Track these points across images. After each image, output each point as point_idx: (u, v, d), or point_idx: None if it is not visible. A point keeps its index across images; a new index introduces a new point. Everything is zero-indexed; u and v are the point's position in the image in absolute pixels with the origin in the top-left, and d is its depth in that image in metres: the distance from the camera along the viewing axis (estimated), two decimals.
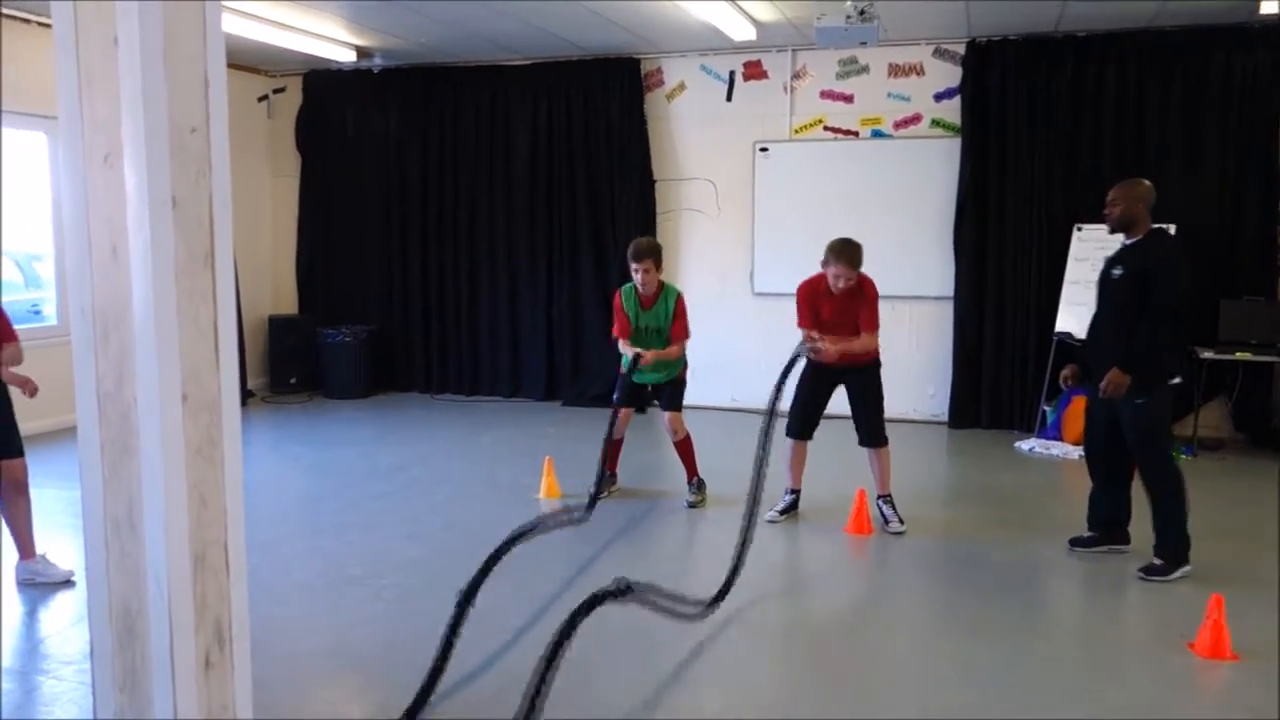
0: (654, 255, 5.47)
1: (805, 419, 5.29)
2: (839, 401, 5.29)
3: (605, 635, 3.77)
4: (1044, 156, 7.49)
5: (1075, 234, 7.33)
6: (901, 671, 3.63)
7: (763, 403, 4.82)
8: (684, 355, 5.65)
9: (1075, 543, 4.85)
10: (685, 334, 5.59)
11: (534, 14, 7.02)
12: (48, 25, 7.07)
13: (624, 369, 5.52)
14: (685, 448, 5.67)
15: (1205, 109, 7.15)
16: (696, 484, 5.69)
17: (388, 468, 6.56)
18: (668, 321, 5.55)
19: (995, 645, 3.79)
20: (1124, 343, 4.35)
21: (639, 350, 5.44)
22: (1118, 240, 4.64)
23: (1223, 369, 7.06)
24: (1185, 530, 4.41)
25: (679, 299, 5.59)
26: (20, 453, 4.34)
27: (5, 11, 6.76)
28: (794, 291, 5.29)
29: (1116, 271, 4.48)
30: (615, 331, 5.65)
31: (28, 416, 4.55)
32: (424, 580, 4.46)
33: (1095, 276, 6.98)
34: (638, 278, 5.47)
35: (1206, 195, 7.13)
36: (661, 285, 5.57)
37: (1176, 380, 4.42)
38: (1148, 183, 4.53)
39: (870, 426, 5.22)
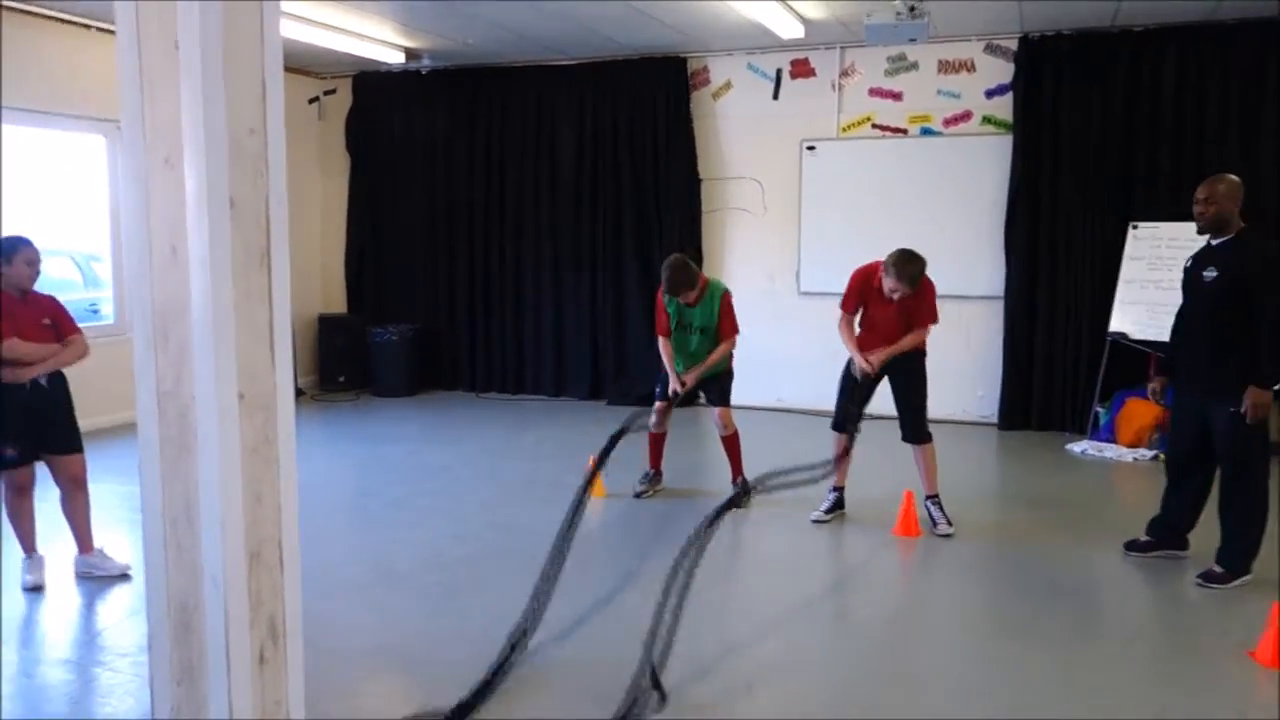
0: (688, 284, 5.38)
1: (850, 414, 5.23)
2: (886, 401, 5.24)
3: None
4: (1098, 154, 7.34)
5: (1130, 232, 7.18)
6: (951, 677, 3.57)
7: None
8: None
9: (1130, 547, 4.74)
10: (734, 330, 5.54)
11: (581, 14, 7.02)
12: (107, 31, 7.25)
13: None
14: (733, 444, 5.64)
15: (1264, 104, 6.96)
16: (741, 484, 5.65)
17: (434, 466, 6.61)
18: (713, 319, 5.51)
19: (1047, 651, 3.73)
20: (1224, 347, 4.18)
21: (680, 381, 5.44)
22: (1178, 238, 4.50)
23: None
24: (1258, 541, 4.29)
25: (725, 295, 5.54)
26: (79, 449, 4.43)
27: (60, 15, 6.91)
28: (839, 291, 5.25)
29: (1209, 273, 4.28)
30: (657, 330, 5.65)
31: (87, 413, 4.64)
32: (470, 579, 4.49)
33: (1151, 276, 6.95)
34: (679, 300, 5.45)
35: (1265, 193, 6.93)
36: (706, 283, 5.54)
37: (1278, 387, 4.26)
38: (1236, 178, 4.32)
39: (913, 421, 5.15)
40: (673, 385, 5.50)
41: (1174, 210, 6.91)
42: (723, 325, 5.51)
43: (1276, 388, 4.22)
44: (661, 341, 5.59)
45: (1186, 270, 4.49)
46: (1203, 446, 4.38)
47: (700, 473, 6.36)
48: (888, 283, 4.93)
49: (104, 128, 7.35)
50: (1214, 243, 4.35)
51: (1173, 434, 4.65)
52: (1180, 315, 4.57)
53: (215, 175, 1.79)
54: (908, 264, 4.88)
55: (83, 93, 7.03)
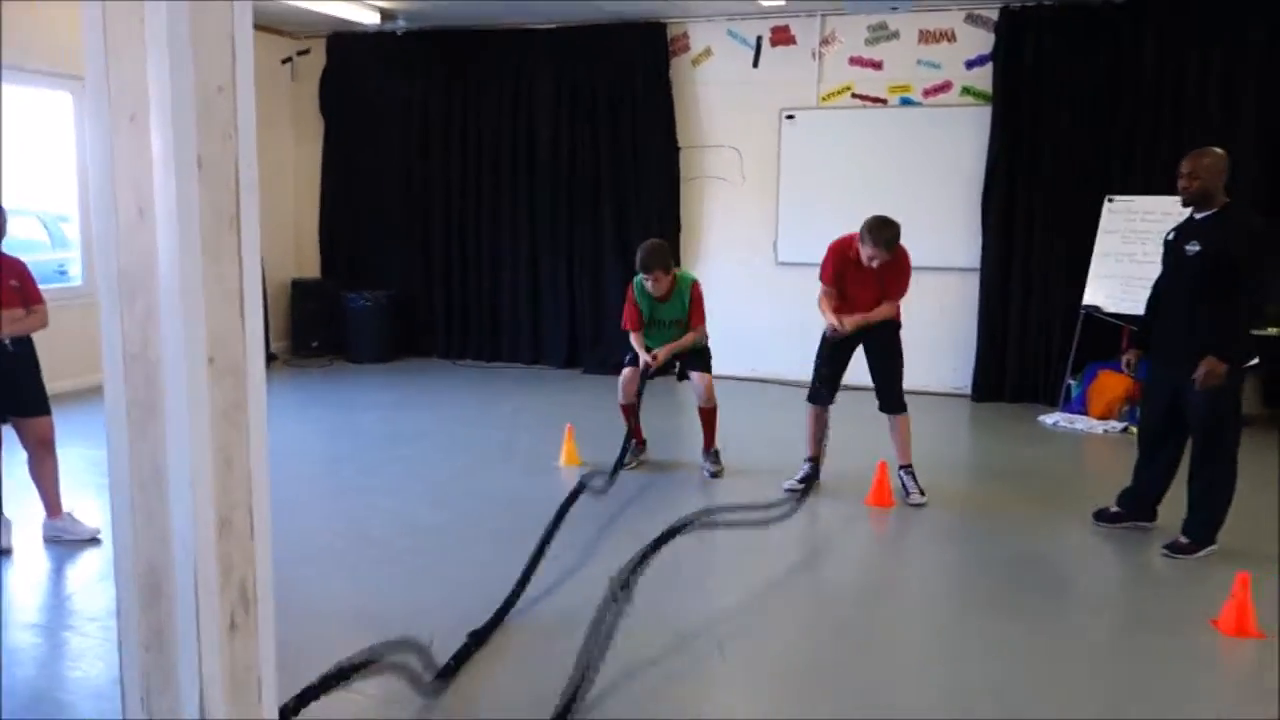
0: (661, 264, 5.39)
1: (825, 384, 5.25)
2: (859, 371, 5.26)
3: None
4: (1076, 126, 7.36)
5: (1106, 205, 7.21)
6: (921, 645, 3.62)
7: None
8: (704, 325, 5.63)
9: (1099, 517, 4.80)
10: (701, 321, 5.56)
11: None
12: None
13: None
14: (710, 417, 5.61)
15: (1245, 80, 6.98)
16: (714, 454, 5.66)
17: (408, 433, 6.59)
18: (685, 312, 5.51)
19: (1016, 620, 3.78)
20: (1203, 322, 4.20)
21: (652, 355, 5.42)
22: (1153, 212, 4.52)
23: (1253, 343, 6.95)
24: (1224, 513, 4.35)
25: (694, 286, 5.54)
26: (47, 411, 4.38)
27: None
28: (817, 262, 5.26)
29: (1192, 247, 4.28)
30: (625, 324, 5.61)
31: (55, 376, 4.58)
32: (444, 545, 4.48)
33: (1125, 249, 6.99)
34: (649, 284, 5.42)
35: (1244, 167, 6.96)
36: (675, 278, 5.52)
37: (1254, 361, 4.29)
38: (1221, 151, 4.29)
39: (890, 391, 5.17)
40: (644, 359, 5.47)
41: (1150, 184, 6.96)
42: (693, 315, 5.52)
43: (1249, 364, 4.27)
44: (632, 335, 5.58)
45: (1168, 243, 4.50)
46: (1175, 418, 4.42)
47: (672, 443, 6.34)
48: (865, 250, 4.93)
49: (71, 85, 7.19)
50: (1197, 216, 4.35)
51: (1145, 406, 4.69)
52: (1157, 287, 4.59)
53: (183, 134, 1.75)
54: (883, 229, 4.88)
55: (50, 49, 6.87)
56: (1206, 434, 4.32)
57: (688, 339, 5.51)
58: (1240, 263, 4.13)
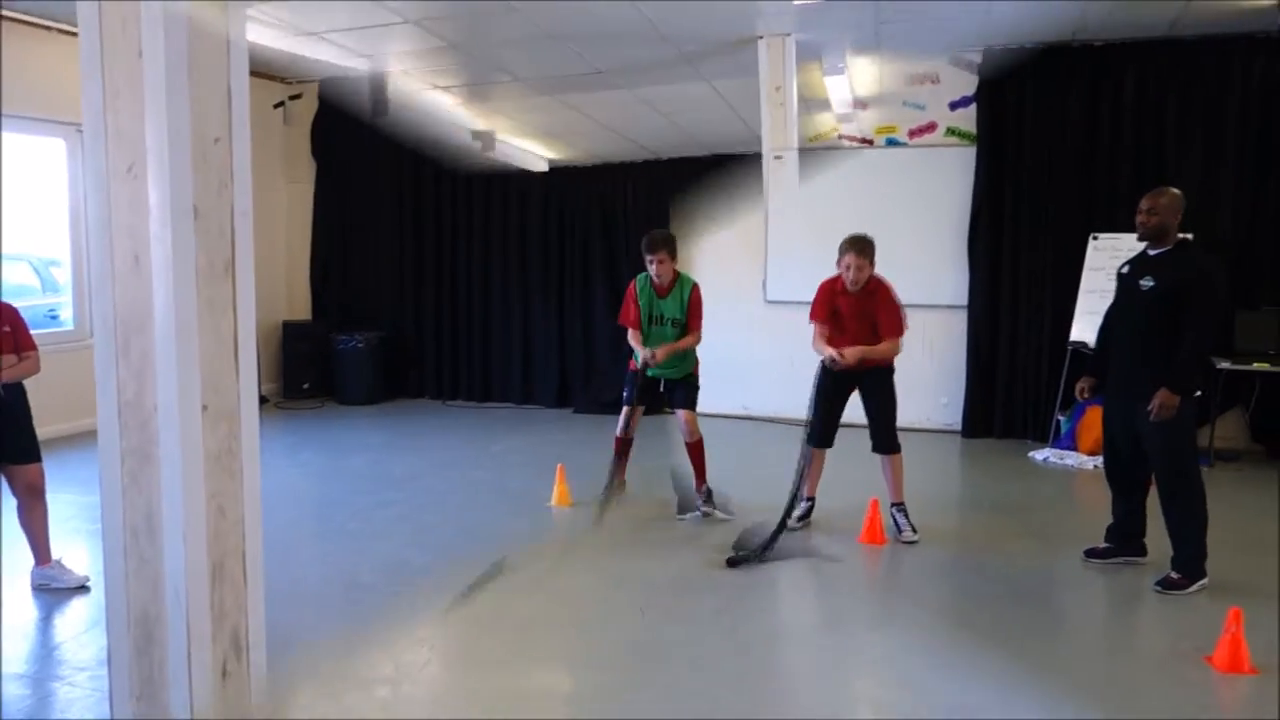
0: (668, 246, 5.46)
1: (824, 426, 5.27)
2: (854, 411, 5.28)
3: (610, 640, 3.76)
4: (1060, 165, 7.46)
5: (1091, 243, 7.29)
6: (914, 682, 3.60)
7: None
8: (695, 351, 5.64)
9: (1090, 554, 4.81)
10: (699, 324, 5.57)
11: (549, 27, 7.00)
12: (69, 33, 7.14)
13: (636, 364, 5.52)
14: (697, 452, 5.62)
15: (1224, 117, 7.10)
16: (706, 492, 5.65)
17: (399, 475, 6.57)
18: (683, 312, 5.53)
19: (1008, 657, 3.76)
20: (1156, 356, 4.28)
21: (651, 352, 5.43)
22: (1138, 249, 4.60)
23: (1240, 379, 7.01)
24: (1203, 544, 4.37)
25: (694, 289, 5.58)
26: (38, 458, 4.35)
27: (27, 18, 6.81)
28: (806, 300, 5.33)
29: (1146, 282, 4.38)
30: (621, 320, 5.64)
31: (45, 421, 4.57)
32: (435, 588, 4.46)
33: (1111, 286, 6.99)
34: (653, 269, 5.46)
35: (1224, 205, 7.09)
36: (677, 275, 5.57)
37: (1199, 393, 4.37)
38: (1178, 191, 4.45)
39: (883, 432, 5.20)
40: (644, 356, 5.44)
41: (1134, 221, 7.02)
42: (691, 318, 5.54)
43: (1196, 394, 4.33)
44: (632, 335, 5.60)
45: (1122, 276, 4.61)
46: (1136, 451, 4.48)
47: (664, 481, 6.31)
48: (843, 260, 5.06)
49: (64, 131, 7.25)
50: (1151, 253, 4.47)
51: (1106, 441, 4.72)
52: (1108, 319, 4.69)
53: (179, 184, 1.77)
54: (857, 237, 5.11)
55: (42, 95, 6.93)
56: (1166, 467, 4.38)
57: (686, 341, 5.52)
58: (1194, 298, 4.22)
